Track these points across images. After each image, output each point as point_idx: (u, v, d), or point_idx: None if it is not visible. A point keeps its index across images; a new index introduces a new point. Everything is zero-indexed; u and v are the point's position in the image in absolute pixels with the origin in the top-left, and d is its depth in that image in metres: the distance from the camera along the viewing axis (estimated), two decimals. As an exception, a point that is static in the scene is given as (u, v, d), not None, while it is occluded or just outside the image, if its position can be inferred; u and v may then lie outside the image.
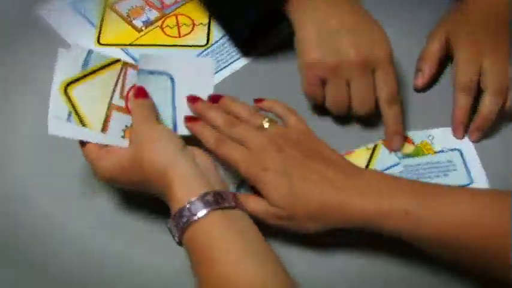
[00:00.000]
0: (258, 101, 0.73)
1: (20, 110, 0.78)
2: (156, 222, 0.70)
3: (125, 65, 0.71)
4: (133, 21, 0.87)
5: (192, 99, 0.71)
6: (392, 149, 0.75)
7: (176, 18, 0.87)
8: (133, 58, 0.83)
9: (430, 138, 0.76)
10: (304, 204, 0.64)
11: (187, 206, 0.60)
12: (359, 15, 0.74)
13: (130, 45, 0.84)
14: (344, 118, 0.76)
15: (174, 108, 0.71)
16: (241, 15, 0.78)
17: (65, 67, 0.68)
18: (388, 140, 0.75)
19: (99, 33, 0.86)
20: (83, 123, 0.67)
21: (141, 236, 0.69)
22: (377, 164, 0.74)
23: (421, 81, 0.80)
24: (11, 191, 0.72)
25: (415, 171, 0.74)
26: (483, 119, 0.75)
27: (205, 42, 0.85)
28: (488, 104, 0.75)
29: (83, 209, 0.71)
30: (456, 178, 0.73)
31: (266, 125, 0.69)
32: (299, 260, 0.67)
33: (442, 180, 0.73)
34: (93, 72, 0.69)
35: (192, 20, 0.87)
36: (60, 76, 0.68)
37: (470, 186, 0.73)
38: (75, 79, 0.68)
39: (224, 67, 0.83)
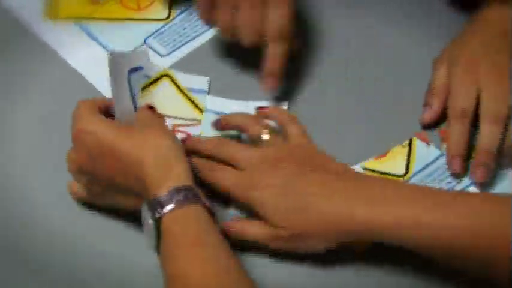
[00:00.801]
0: (260, 108, 0.71)
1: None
2: None
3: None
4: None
5: (183, 140, 0.69)
6: (265, 89, 0.72)
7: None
8: (89, 35, 0.79)
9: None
10: (305, 219, 0.61)
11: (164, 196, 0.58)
12: None
13: (85, 18, 0.80)
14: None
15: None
16: None
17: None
18: (263, 80, 0.72)
19: (49, 5, 0.81)
20: None
21: (141, 236, 0.65)
22: (418, 161, 0.69)
23: (429, 116, 0.72)
24: (10, 191, 0.70)
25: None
26: (484, 152, 0.68)
27: (166, 15, 0.81)
28: (487, 133, 0.68)
29: (83, 209, 0.68)
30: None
31: (266, 136, 0.67)
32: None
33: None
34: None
35: (153, -9, 0.85)
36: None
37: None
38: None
39: (186, 42, 0.79)
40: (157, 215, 0.58)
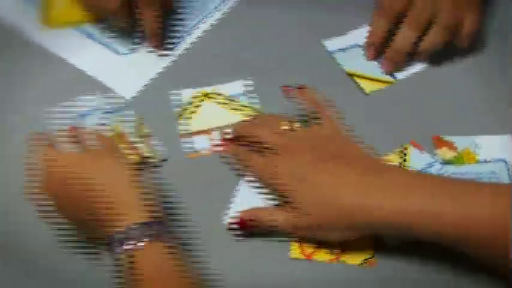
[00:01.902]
0: (286, 88, 0.71)
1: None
2: None
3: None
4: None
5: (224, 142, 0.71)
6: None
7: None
8: (90, 36, 0.81)
9: (474, 146, 0.71)
10: (330, 210, 0.61)
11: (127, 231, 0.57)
12: None
13: (82, 22, 0.80)
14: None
15: None
16: None
17: None
18: (147, 39, 0.78)
19: (44, 13, 0.80)
20: None
21: None
22: (412, 167, 0.69)
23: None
24: (9, 191, 0.69)
25: (455, 179, 0.69)
26: (393, 50, 0.75)
27: None
28: (402, 36, 0.74)
29: None
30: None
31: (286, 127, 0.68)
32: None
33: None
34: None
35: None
36: None
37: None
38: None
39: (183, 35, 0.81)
40: (117, 252, 0.57)
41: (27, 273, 0.64)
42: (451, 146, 0.71)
